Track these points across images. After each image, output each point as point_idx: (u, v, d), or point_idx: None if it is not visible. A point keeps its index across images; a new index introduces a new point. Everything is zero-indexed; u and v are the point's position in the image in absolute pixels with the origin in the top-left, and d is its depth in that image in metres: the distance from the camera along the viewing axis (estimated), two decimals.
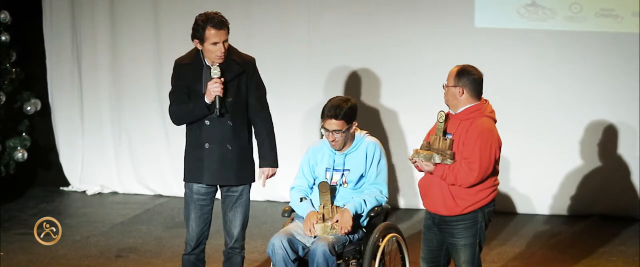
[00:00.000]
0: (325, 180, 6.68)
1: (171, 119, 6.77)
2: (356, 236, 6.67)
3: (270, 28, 9.91)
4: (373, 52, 9.75)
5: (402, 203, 9.80)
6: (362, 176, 6.70)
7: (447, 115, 6.24)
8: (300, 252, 6.58)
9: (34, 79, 10.43)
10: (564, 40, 9.40)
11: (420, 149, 6.25)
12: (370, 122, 9.37)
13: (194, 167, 6.74)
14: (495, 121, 6.29)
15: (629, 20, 9.23)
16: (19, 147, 10.00)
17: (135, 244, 8.75)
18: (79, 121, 10.53)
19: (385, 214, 6.89)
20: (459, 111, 6.24)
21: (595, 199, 9.49)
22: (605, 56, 9.35)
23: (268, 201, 10.02)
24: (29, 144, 10.06)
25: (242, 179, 6.80)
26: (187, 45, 6.87)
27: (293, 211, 6.81)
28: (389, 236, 6.72)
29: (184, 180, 6.82)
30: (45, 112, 10.49)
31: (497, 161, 6.22)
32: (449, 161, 6.16)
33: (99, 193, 10.53)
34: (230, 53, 6.72)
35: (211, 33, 6.58)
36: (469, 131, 6.16)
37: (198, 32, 6.59)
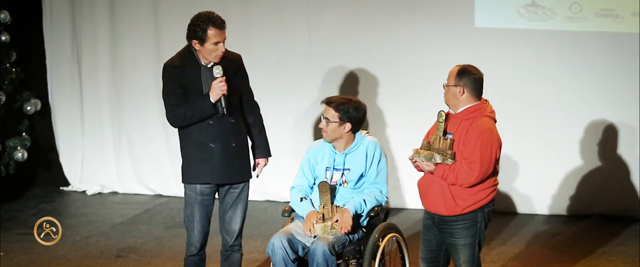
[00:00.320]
0: (325, 180, 6.69)
1: (173, 121, 6.69)
2: (356, 235, 6.67)
3: (270, 28, 9.92)
4: (373, 52, 9.75)
5: (402, 203, 9.80)
6: (362, 176, 6.70)
7: (447, 115, 6.24)
8: (300, 252, 6.58)
9: (34, 79, 10.43)
10: (564, 40, 9.40)
11: (421, 148, 6.25)
12: (370, 122, 9.38)
13: (199, 168, 6.72)
14: (495, 121, 6.30)
15: (629, 20, 9.23)
16: (19, 147, 10.00)
17: (135, 244, 8.75)
18: (79, 121, 10.53)
19: (385, 214, 6.89)
20: (459, 111, 6.24)
21: (595, 199, 9.49)
22: (605, 56, 9.35)
23: (268, 200, 10.02)
24: (29, 144, 10.07)
25: (245, 176, 6.83)
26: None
27: (293, 210, 6.81)
28: (389, 235, 6.72)
29: (186, 182, 6.79)
30: (45, 112, 10.49)
31: (497, 161, 6.22)
32: (449, 161, 6.16)
33: (99, 193, 10.54)
34: None
35: (213, 33, 6.58)
36: (470, 131, 6.16)
37: (198, 33, 6.58)
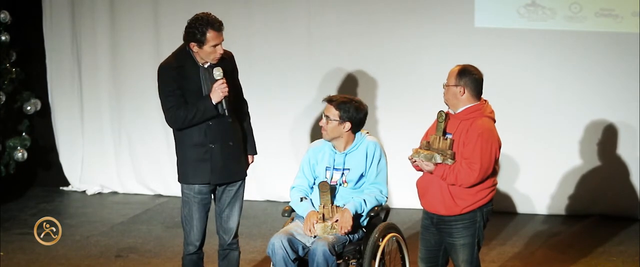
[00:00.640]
0: (325, 179, 6.69)
1: (173, 123, 6.67)
2: (356, 235, 6.68)
3: (270, 28, 9.91)
4: (373, 52, 9.75)
5: (402, 203, 9.79)
6: (362, 176, 6.70)
7: (447, 115, 6.24)
8: (300, 252, 6.58)
9: (34, 79, 10.43)
10: (564, 40, 9.40)
11: (420, 148, 6.25)
12: (369, 122, 9.36)
13: (198, 168, 6.72)
14: (495, 121, 6.30)
15: (629, 20, 9.23)
16: (19, 147, 10.00)
17: (135, 244, 8.75)
18: (79, 121, 10.53)
19: (386, 213, 6.89)
20: (459, 111, 6.24)
21: (595, 199, 9.49)
22: (605, 56, 9.34)
23: (268, 200, 10.02)
24: (29, 144, 10.07)
25: (241, 174, 6.85)
26: None
27: (293, 210, 6.81)
28: (389, 235, 6.72)
29: (184, 182, 6.79)
30: (45, 112, 10.49)
31: (496, 161, 6.22)
32: (449, 161, 6.16)
33: (99, 193, 10.54)
34: None
35: (212, 36, 6.58)
36: (469, 131, 6.16)
37: (196, 36, 6.57)
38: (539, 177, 9.55)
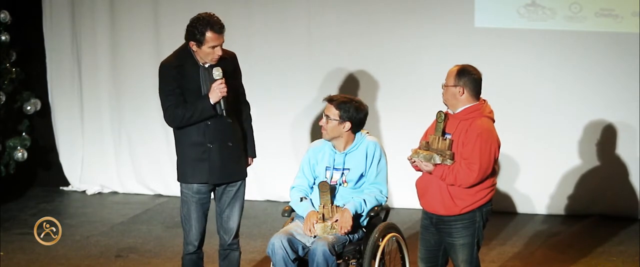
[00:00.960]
0: (325, 179, 6.69)
1: (171, 122, 6.68)
2: (356, 235, 6.68)
3: (270, 28, 9.92)
4: (373, 52, 9.75)
5: (402, 203, 9.79)
6: (362, 176, 6.70)
7: (446, 115, 6.24)
8: (300, 252, 6.58)
9: (34, 79, 10.43)
10: (564, 40, 9.40)
11: (419, 148, 6.25)
12: (369, 122, 9.35)
13: (197, 168, 6.72)
14: (494, 121, 6.29)
15: (629, 20, 9.23)
16: (19, 147, 10.00)
17: (135, 244, 8.75)
18: (79, 121, 10.53)
19: (386, 213, 6.89)
20: (458, 111, 6.24)
21: (594, 199, 9.49)
22: (605, 56, 9.34)
23: (268, 200, 10.02)
24: (29, 144, 10.07)
25: (241, 174, 6.85)
26: None
27: (293, 210, 6.81)
28: (388, 235, 6.72)
29: (183, 181, 6.79)
30: (45, 112, 10.49)
31: (496, 161, 6.22)
32: (448, 162, 6.16)
33: (99, 193, 10.54)
34: None
35: (211, 37, 6.57)
36: (469, 131, 6.16)
37: (195, 35, 6.57)
38: (538, 177, 9.55)
